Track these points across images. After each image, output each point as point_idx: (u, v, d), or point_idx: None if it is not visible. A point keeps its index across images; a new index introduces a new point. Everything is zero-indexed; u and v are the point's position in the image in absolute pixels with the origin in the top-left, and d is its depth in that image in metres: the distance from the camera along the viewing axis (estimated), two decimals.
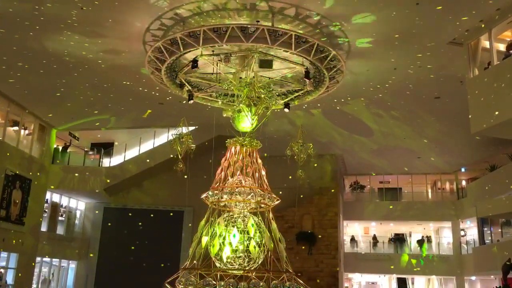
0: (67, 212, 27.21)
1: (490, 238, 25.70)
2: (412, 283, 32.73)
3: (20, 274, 21.77)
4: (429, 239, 30.82)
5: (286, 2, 12.92)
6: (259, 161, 15.04)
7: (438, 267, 29.42)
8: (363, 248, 31.33)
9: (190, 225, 26.80)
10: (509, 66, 13.33)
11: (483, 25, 13.79)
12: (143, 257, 26.34)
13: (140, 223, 27.22)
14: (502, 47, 14.50)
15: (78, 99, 20.66)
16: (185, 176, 14.61)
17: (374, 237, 31.50)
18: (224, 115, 16.31)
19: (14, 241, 21.36)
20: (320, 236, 26.36)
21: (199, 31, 13.36)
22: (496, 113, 13.48)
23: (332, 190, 27.34)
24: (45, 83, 18.99)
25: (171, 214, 27.47)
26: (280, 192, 15.79)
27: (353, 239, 31.45)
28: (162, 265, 25.50)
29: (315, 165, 25.69)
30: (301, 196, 24.78)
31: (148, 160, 26.50)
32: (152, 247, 26.48)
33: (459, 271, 28.86)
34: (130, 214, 27.45)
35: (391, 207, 30.81)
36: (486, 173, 23.49)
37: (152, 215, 27.47)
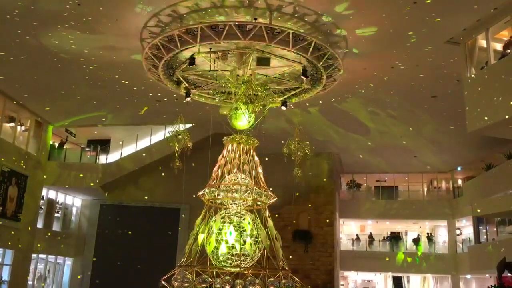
0: (63, 209, 27.16)
1: (485, 237, 25.79)
2: (408, 281, 32.88)
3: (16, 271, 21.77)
4: (429, 238, 30.87)
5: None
6: (256, 159, 15.05)
7: (433, 266, 29.53)
8: (360, 246, 31.40)
9: (186, 221, 26.79)
10: (506, 66, 13.37)
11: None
12: (139, 254, 26.31)
13: (136, 220, 27.17)
14: (499, 46, 14.53)
15: (74, 96, 20.63)
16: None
17: (370, 235, 31.59)
18: (221, 112, 16.30)
19: (9, 238, 21.32)
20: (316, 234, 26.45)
21: (196, 28, 13.33)
22: (492, 112, 13.52)
23: (329, 189, 27.39)
24: (41, 79, 18.95)
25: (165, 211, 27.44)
26: (276, 190, 15.78)
27: (357, 238, 31.54)
28: (159, 259, 25.51)
29: (312, 163, 25.70)
30: (298, 194, 24.83)
31: (144, 157, 26.47)
32: (148, 244, 26.46)
33: (455, 269, 28.97)
34: (124, 211, 27.41)
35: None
36: (482, 172, 23.54)
37: (148, 212, 27.44)
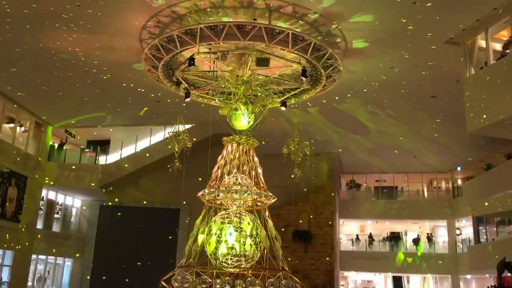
0: (63, 210, 27.15)
1: (485, 237, 25.78)
2: (408, 281, 32.86)
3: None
4: (429, 238, 30.84)
5: (283, 0, 12.93)
6: (256, 159, 15.05)
7: (433, 266, 29.52)
8: (359, 246, 31.40)
9: (186, 221, 26.79)
10: (505, 66, 13.36)
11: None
12: (139, 255, 26.30)
13: (136, 221, 27.17)
14: (498, 46, 14.53)
15: (74, 96, 20.62)
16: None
17: (370, 236, 31.58)
18: (221, 113, 16.31)
19: (9, 239, 21.30)
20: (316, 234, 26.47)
21: (196, 28, 13.33)
22: (492, 112, 13.52)
23: (329, 189, 27.39)
24: (41, 80, 18.94)
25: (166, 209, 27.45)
26: (275, 191, 15.78)
27: (357, 238, 31.53)
28: (159, 259, 25.55)
29: (312, 163, 25.70)
30: (297, 194, 24.80)
31: (144, 158, 26.46)
32: (148, 245, 26.45)
33: (455, 269, 28.95)
34: (123, 212, 27.46)
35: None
36: (482, 172, 23.55)
37: (148, 213, 27.44)
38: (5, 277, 21.43)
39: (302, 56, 14.25)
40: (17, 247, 21.86)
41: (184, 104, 18.01)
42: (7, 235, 21.20)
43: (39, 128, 24.03)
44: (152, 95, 19.87)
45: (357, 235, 31.87)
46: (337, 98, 19.48)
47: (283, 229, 25.08)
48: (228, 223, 14.24)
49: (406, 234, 32.09)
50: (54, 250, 25.77)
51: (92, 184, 25.33)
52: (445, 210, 30.06)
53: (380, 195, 31.75)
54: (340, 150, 25.21)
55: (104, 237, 27.21)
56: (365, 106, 20.41)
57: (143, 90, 19.42)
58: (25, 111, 22.53)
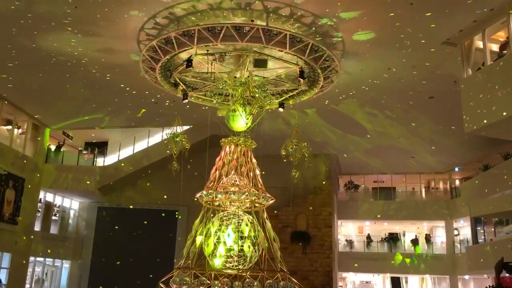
0: (60, 212, 27.10)
1: (483, 237, 25.81)
2: (406, 282, 32.88)
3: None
4: (427, 238, 30.87)
5: (280, 1, 12.93)
6: (254, 160, 15.05)
7: (431, 266, 29.55)
8: (358, 247, 31.41)
9: (184, 223, 26.77)
10: (502, 66, 13.40)
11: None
12: (137, 257, 26.26)
13: (134, 223, 27.12)
14: (495, 47, 14.57)
15: (72, 98, 20.59)
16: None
17: (368, 236, 31.59)
18: (219, 114, 16.29)
19: (7, 241, 21.25)
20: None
21: (193, 30, 13.33)
22: (489, 113, 13.55)
23: (327, 190, 27.40)
24: (38, 82, 18.90)
25: (163, 214, 27.42)
26: (274, 192, 15.78)
27: (351, 241, 31.47)
28: (157, 261, 25.52)
29: (310, 164, 25.70)
30: (296, 195, 24.79)
31: (142, 160, 26.44)
32: (146, 247, 26.42)
33: (453, 270, 28.98)
34: (121, 214, 27.44)
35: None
36: (480, 173, 23.58)
37: (146, 215, 27.41)
38: (3, 279, 21.37)
39: (300, 58, 14.25)
40: (15, 249, 21.78)
41: (183, 103, 18.01)
42: (5, 238, 21.13)
43: (36, 130, 23.98)
44: (148, 92, 19.84)
45: (347, 240, 31.65)
46: (334, 99, 19.49)
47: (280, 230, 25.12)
48: (226, 225, 14.23)
49: (404, 235, 32.13)
50: (49, 250, 25.77)
51: (90, 186, 25.30)
52: (443, 211, 30.12)
53: (378, 195, 31.79)
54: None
55: (102, 239, 27.17)
56: (362, 107, 20.42)
57: (141, 91, 19.40)
58: (23, 113, 22.49)
